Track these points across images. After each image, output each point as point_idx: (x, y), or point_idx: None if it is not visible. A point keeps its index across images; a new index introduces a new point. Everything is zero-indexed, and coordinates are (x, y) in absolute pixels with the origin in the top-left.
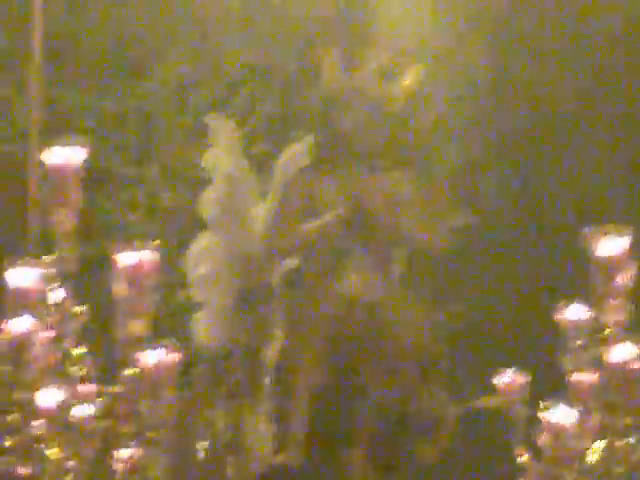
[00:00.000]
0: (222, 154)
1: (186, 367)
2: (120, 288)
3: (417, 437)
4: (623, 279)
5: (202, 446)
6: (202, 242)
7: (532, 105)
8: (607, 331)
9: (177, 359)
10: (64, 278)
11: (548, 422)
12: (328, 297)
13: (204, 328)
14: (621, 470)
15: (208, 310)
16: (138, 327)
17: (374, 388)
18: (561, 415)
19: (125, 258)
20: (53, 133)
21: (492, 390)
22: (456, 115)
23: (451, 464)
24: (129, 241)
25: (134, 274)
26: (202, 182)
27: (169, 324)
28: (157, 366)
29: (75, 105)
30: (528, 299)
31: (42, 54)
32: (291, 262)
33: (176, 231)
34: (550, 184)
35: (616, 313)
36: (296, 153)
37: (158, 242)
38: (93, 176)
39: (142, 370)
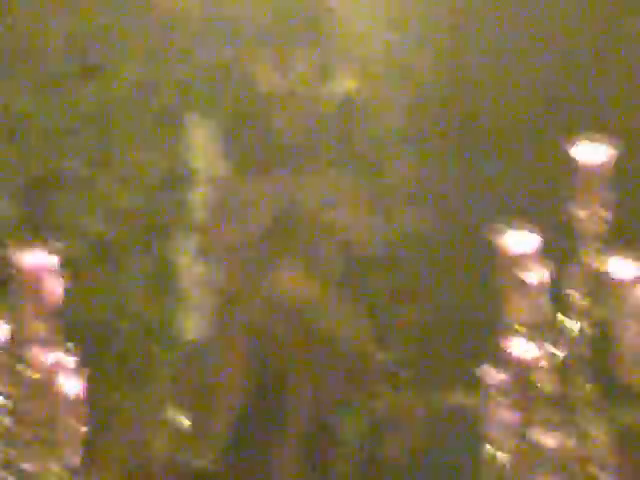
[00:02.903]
0: (204, 154)
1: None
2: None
3: (380, 436)
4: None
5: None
6: (193, 243)
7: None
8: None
9: None
10: None
11: None
12: (257, 300)
13: (194, 324)
14: None
15: (199, 308)
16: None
17: (305, 388)
18: None
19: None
20: (5, 137)
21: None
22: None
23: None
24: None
25: (35, 276)
26: (160, 185)
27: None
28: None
29: (29, 108)
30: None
31: None
32: None
33: (131, 233)
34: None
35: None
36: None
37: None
38: (47, 178)
39: None
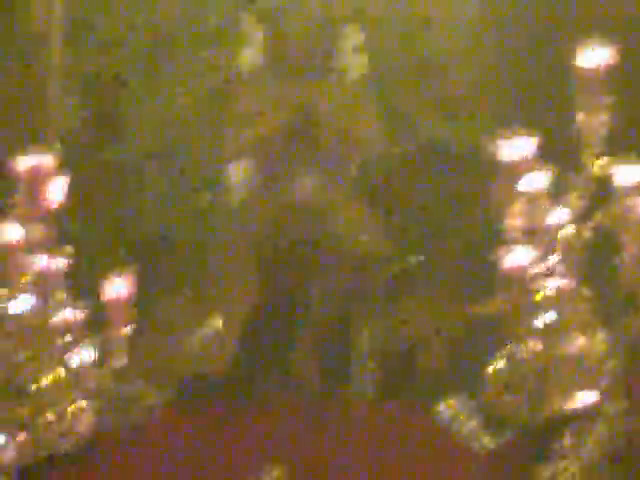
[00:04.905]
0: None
1: None
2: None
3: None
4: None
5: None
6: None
7: None
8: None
9: None
10: None
11: None
12: (275, 201)
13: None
14: None
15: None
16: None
17: (317, 292)
18: None
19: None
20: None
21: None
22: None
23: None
24: None
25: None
26: (218, 87)
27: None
28: None
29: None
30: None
31: None
32: None
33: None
34: None
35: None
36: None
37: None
38: (107, 84)
39: None
